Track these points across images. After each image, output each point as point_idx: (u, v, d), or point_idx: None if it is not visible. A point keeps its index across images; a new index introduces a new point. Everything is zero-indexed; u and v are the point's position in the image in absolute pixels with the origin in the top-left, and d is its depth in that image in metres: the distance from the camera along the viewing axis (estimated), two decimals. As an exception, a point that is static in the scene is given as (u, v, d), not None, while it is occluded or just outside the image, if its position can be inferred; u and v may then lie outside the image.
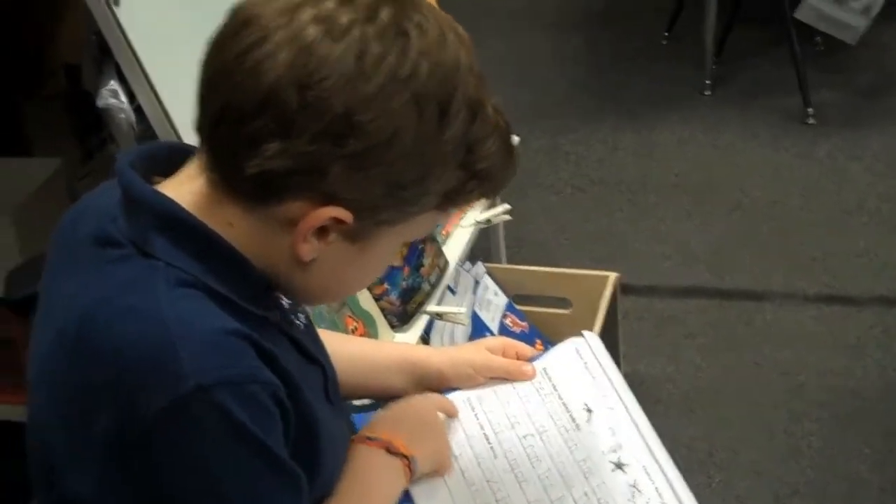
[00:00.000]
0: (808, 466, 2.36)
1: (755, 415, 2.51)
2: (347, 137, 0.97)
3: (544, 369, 1.41)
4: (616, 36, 4.36)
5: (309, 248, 1.03)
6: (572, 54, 4.28)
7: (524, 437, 1.33)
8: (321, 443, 1.10)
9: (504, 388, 1.39)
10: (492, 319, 2.31)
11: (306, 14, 0.97)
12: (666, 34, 4.25)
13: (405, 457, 1.21)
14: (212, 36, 1.02)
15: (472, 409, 1.36)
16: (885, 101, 3.80)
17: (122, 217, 1.04)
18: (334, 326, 1.88)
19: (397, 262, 2.07)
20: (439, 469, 1.27)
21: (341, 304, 1.96)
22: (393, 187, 1.01)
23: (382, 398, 1.41)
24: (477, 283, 2.35)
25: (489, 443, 1.32)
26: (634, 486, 1.28)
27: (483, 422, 1.35)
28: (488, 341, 1.46)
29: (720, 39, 3.96)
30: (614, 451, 1.32)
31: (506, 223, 2.69)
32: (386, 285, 2.06)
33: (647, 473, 1.30)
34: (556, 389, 1.39)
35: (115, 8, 1.57)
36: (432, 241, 2.21)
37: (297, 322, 1.15)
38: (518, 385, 1.40)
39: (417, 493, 1.24)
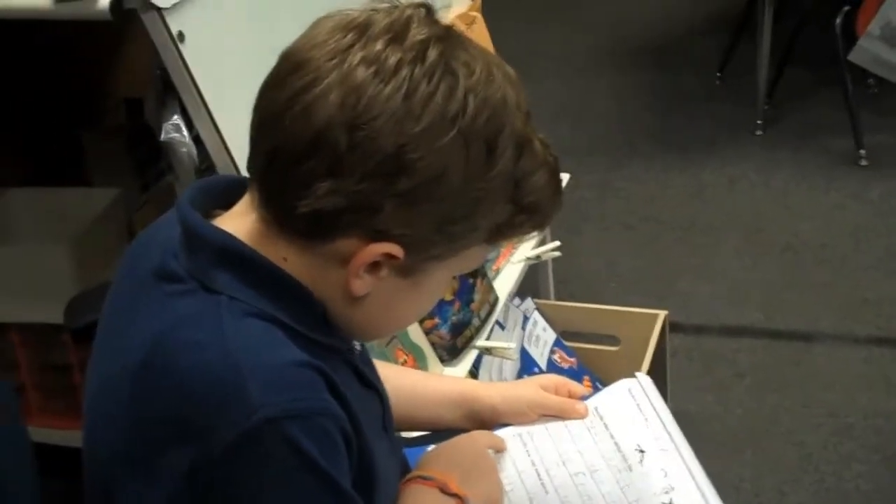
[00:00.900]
0: (857, 509, 2.35)
1: (803, 456, 2.50)
2: (398, 176, 0.98)
3: (596, 408, 1.42)
4: (669, 75, 4.37)
5: (361, 284, 1.04)
6: (626, 93, 4.29)
7: (575, 474, 1.34)
8: (377, 474, 1.10)
9: (556, 426, 1.40)
10: (540, 355, 2.33)
11: (356, 56, 0.99)
12: (719, 74, 4.26)
13: (459, 497, 1.21)
14: (264, 80, 1.04)
15: (524, 444, 1.37)
16: (938, 144, 3.78)
17: (183, 253, 1.06)
18: (385, 359, 1.90)
19: (448, 297, 2.09)
20: None
21: (392, 337, 1.98)
22: (443, 223, 1.02)
23: (433, 430, 1.42)
24: (526, 318, 2.37)
25: (540, 478, 1.34)
26: None
27: (535, 458, 1.36)
28: (541, 379, 1.47)
29: (773, 80, 3.96)
30: (666, 492, 1.32)
31: (555, 260, 2.70)
32: (437, 319, 2.08)
33: None
34: (608, 429, 1.40)
35: (180, 45, 1.60)
36: (483, 277, 2.23)
37: (356, 349, 1.17)
38: (570, 424, 1.41)
39: None
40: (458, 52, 1.02)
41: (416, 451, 1.35)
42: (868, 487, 2.40)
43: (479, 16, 2.47)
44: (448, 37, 1.03)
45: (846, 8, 3.63)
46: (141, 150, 2.56)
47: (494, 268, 2.37)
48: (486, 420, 1.41)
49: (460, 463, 1.27)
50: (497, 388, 1.46)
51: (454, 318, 2.11)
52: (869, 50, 3.61)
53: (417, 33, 1.01)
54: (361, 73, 0.98)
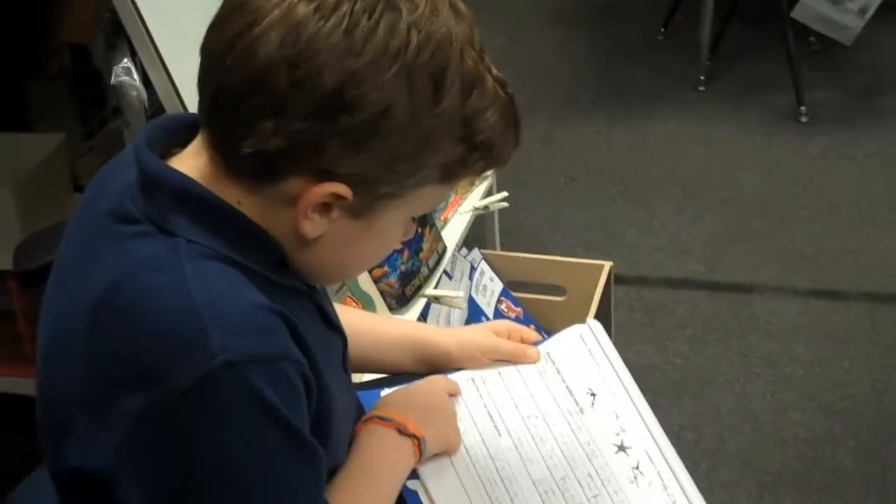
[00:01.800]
0: (794, 457, 2.40)
1: (742, 405, 2.55)
2: (340, 113, 0.97)
3: (548, 353, 1.44)
4: (613, 30, 4.39)
5: (311, 225, 1.04)
6: (570, 47, 4.31)
7: (528, 417, 1.36)
8: (333, 414, 1.11)
9: (508, 371, 1.42)
10: (487, 304, 2.35)
11: None
12: (663, 29, 4.28)
13: (416, 437, 1.23)
14: (210, 22, 1.03)
15: (477, 388, 1.39)
16: (877, 102, 3.84)
17: (140, 194, 1.05)
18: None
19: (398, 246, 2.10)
20: (448, 450, 1.30)
21: (341, 285, 1.99)
22: (389, 161, 1.01)
23: (388, 373, 1.44)
24: (473, 268, 2.38)
25: (493, 422, 1.35)
26: (637, 469, 1.32)
27: (487, 401, 1.38)
28: (494, 324, 1.49)
29: (716, 36, 3.99)
30: (617, 434, 1.35)
31: (500, 212, 2.72)
32: (386, 268, 2.08)
33: (649, 457, 1.33)
34: (559, 373, 1.42)
35: (130, -14, 1.59)
36: (431, 226, 2.24)
37: (317, 286, 1.17)
38: (522, 368, 1.42)
39: (424, 470, 1.27)
40: None
41: (369, 394, 1.37)
42: (805, 435, 2.46)
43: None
44: None
45: (790, -35, 3.67)
46: (85, 95, 2.53)
47: (442, 218, 2.38)
48: (440, 364, 1.42)
49: (418, 405, 1.29)
50: (451, 333, 1.46)
51: (403, 266, 2.12)
52: (812, 7, 3.66)
53: None
54: (302, 10, 0.97)
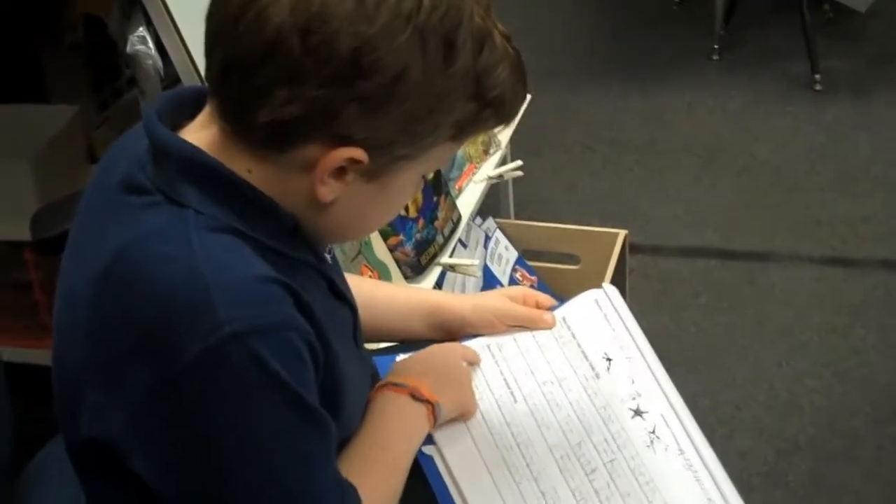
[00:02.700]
0: (809, 423, 2.40)
1: (758, 372, 2.55)
2: (356, 79, 0.97)
3: (563, 318, 1.44)
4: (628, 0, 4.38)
5: (328, 190, 1.03)
6: (585, 17, 4.30)
7: (543, 383, 1.37)
8: (344, 384, 1.11)
9: (524, 337, 1.42)
10: (502, 273, 2.35)
11: None
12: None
13: (430, 403, 1.23)
14: None
15: (492, 355, 1.39)
16: (892, 70, 3.82)
17: (150, 165, 1.05)
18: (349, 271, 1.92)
19: (412, 214, 2.10)
20: (464, 415, 1.30)
21: (356, 253, 2.00)
22: (405, 123, 1.01)
23: (404, 341, 1.44)
24: (488, 237, 2.39)
25: (509, 388, 1.36)
26: (653, 433, 1.32)
27: (503, 368, 1.38)
28: (509, 290, 1.48)
29: (730, 5, 3.97)
30: (633, 398, 1.35)
31: (515, 181, 2.72)
32: (401, 236, 2.09)
33: (665, 421, 1.33)
34: (575, 338, 1.42)
35: (145, -45, 1.59)
36: (446, 195, 2.24)
37: (327, 258, 1.17)
38: (537, 334, 1.43)
39: (440, 436, 1.28)
40: None
41: (385, 360, 1.37)
42: (820, 402, 2.46)
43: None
44: None
45: (805, -68, 3.65)
46: (100, 66, 2.54)
47: (457, 187, 2.38)
48: (455, 330, 1.42)
49: (433, 370, 1.29)
50: (466, 299, 1.47)
51: (418, 235, 2.13)
52: (827, -27, 3.64)
53: None
54: None
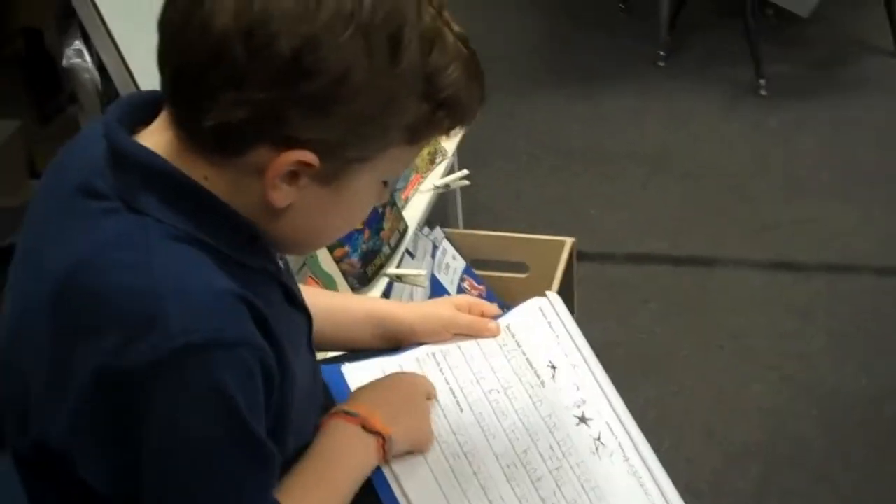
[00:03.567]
0: (757, 427, 2.42)
1: (706, 378, 2.56)
2: (299, 80, 0.97)
3: (508, 327, 1.44)
4: (572, 6, 4.38)
5: (280, 195, 1.03)
6: (529, 24, 4.29)
7: (489, 391, 1.36)
8: (293, 400, 1.10)
9: (468, 345, 1.42)
10: (450, 283, 2.35)
11: None
12: (622, 5, 4.28)
13: (381, 435, 1.21)
14: None
15: (438, 363, 1.39)
16: (835, 74, 3.86)
17: (108, 170, 1.04)
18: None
19: (358, 225, 2.09)
20: (418, 449, 1.27)
21: (302, 265, 1.98)
22: (353, 125, 1.00)
23: (350, 350, 1.43)
24: (435, 247, 2.38)
25: (455, 396, 1.35)
26: (598, 440, 1.32)
27: (448, 377, 1.37)
28: (455, 299, 1.49)
29: (675, 10, 3.99)
30: (578, 406, 1.35)
31: (462, 190, 2.71)
32: (347, 248, 2.08)
33: (610, 428, 1.34)
34: (519, 346, 1.42)
35: (80, -33, 1.57)
36: (392, 206, 2.23)
37: (282, 267, 1.16)
38: (482, 342, 1.42)
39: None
40: None
41: (331, 369, 1.37)
42: (769, 406, 2.47)
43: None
44: None
45: (748, -62, 3.67)
46: (39, 81, 2.51)
47: (403, 196, 2.37)
48: (402, 339, 1.42)
49: (390, 400, 1.27)
50: (413, 308, 1.46)
51: (364, 246, 2.12)
52: (769, -21, 3.67)
53: None
54: None
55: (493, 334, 1.43)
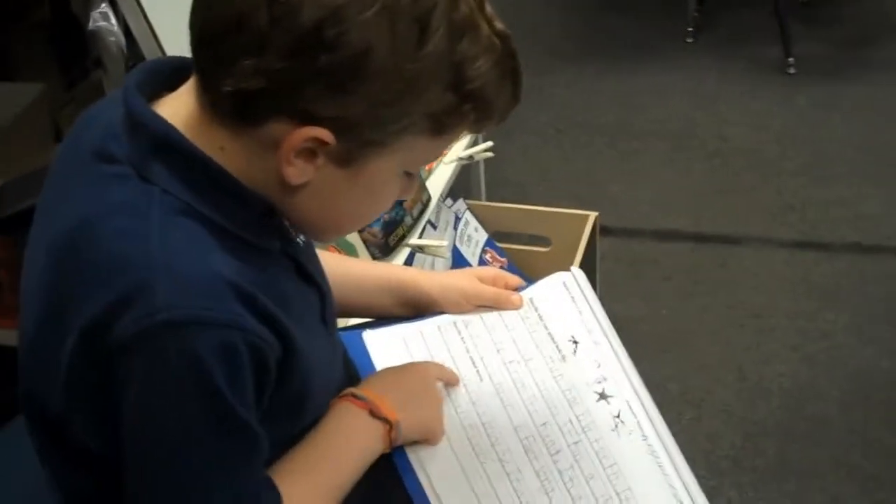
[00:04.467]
0: (778, 407, 2.40)
1: (727, 356, 2.55)
2: (319, 52, 0.95)
3: (531, 300, 1.43)
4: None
5: (295, 171, 1.01)
6: (559, 0, 4.28)
7: (509, 362, 1.36)
8: (310, 374, 1.10)
9: (490, 316, 1.41)
10: (472, 255, 2.34)
11: None
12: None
13: (388, 421, 1.19)
14: None
15: (459, 332, 1.38)
16: (864, 54, 3.82)
17: (124, 136, 1.03)
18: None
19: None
20: (428, 439, 1.25)
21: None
22: (372, 105, 0.99)
23: (370, 317, 1.43)
24: (458, 218, 2.37)
25: (475, 366, 1.35)
26: (618, 417, 1.31)
27: (469, 346, 1.37)
28: (479, 270, 1.47)
29: (704, -13, 3.97)
30: (599, 382, 1.34)
31: (486, 163, 2.71)
32: (369, 218, 2.07)
33: (630, 406, 1.32)
34: (542, 320, 1.41)
35: (108, -70, 1.57)
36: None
37: (298, 240, 1.14)
38: (505, 314, 1.41)
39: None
40: None
41: (353, 337, 1.36)
42: (789, 385, 2.46)
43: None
44: None
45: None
46: (65, 45, 2.51)
47: (427, 167, 2.36)
48: (422, 307, 1.41)
49: (401, 387, 1.25)
50: (434, 277, 1.45)
51: (386, 216, 2.11)
52: (800, -43, 3.63)
53: None
54: None
55: (516, 307, 1.42)
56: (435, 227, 2.29)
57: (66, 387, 1.01)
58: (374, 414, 1.19)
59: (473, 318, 1.40)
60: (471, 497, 1.22)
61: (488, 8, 1.05)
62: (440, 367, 1.32)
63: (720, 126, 3.45)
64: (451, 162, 2.42)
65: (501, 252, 2.41)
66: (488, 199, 2.80)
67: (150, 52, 1.70)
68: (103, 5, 1.70)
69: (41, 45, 2.50)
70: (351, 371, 1.31)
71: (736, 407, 2.41)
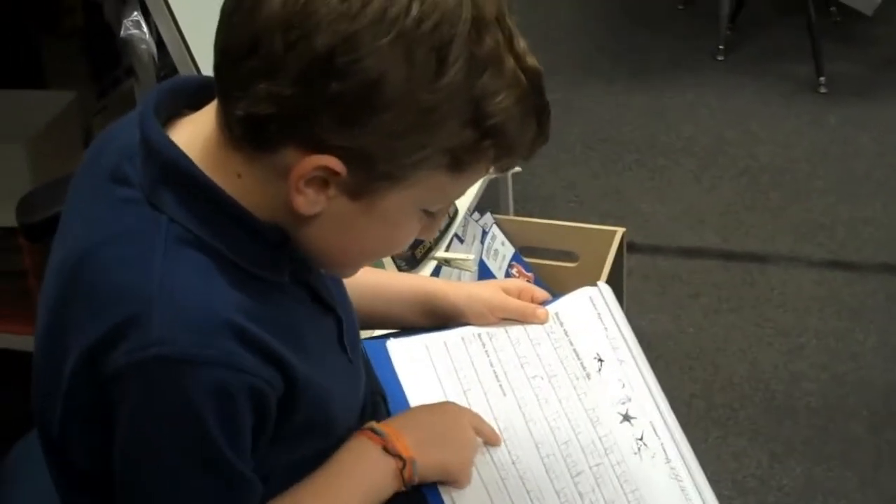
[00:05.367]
0: (806, 426, 2.38)
1: (755, 374, 2.53)
2: (330, 79, 0.94)
3: (556, 314, 1.42)
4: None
5: (304, 201, 0.99)
6: (589, 14, 4.28)
7: (533, 377, 1.35)
8: (322, 401, 1.09)
9: (515, 329, 1.40)
10: (498, 269, 2.34)
11: None
12: (680, 7, 4.25)
13: (402, 458, 1.17)
14: None
15: (483, 344, 1.38)
16: (897, 74, 3.81)
17: (139, 159, 1.02)
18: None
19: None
20: (452, 481, 1.21)
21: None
22: (385, 137, 0.96)
23: (396, 328, 1.42)
24: (485, 232, 2.37)
25: (498, 380, 1.34)
26: (641, 440, 1.29)
27: (493, 358, 1.36)
28: (505, 282, 1.46)
29: (736, 5, 3.96)
30: (623, 403, 1.33)
31: (514, 177, 2.70)
32: (397, 230, 2.07)
33: (654, 428, 1.31)
34: (567, 335, 1.40)
35: (141, -61, 1.58)
36: (443, 189, 2.22)
37: (312, 268, 1.12)
38: (530, 328, 1.40)
39: None
40: None
41: (377, 346, 1.36)
42: (817, 405, 2.44)
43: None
44: None
45: (812, -67, 3.63)
46: (98, 53, 2.53)
47: (454, 181, 2.36)
48: (448, 318, 1.40)
49: (425, 426, 1.23)
50: (461, 288, 1.44)
51: (414, 228, 2.11)
52: (833, -25, 3.62)
53: None
54: None
55: (542, 321, 1.41)
56: (462, 241, 2.29)
57: (65, 408, 1.02)
58: (388, 449, 1.17)
59: (498, 331, 1.39)
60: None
61: (520, 43, 1.02)
62: (477, 416, 1.28)
63: (750, 144, 3.43)
64: (479, 175, 2.41)
65: (528, 267, 2.40)
66: (516, 214, 2.80)
67: (180, 61, 1.70)
68: (135, 13, 1.71)
69: (74, 53, 2.51)
70: (374, 384, 1.30)
71: (763, 426, 2.39)
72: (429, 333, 1.39)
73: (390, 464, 1.17)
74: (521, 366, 1.36)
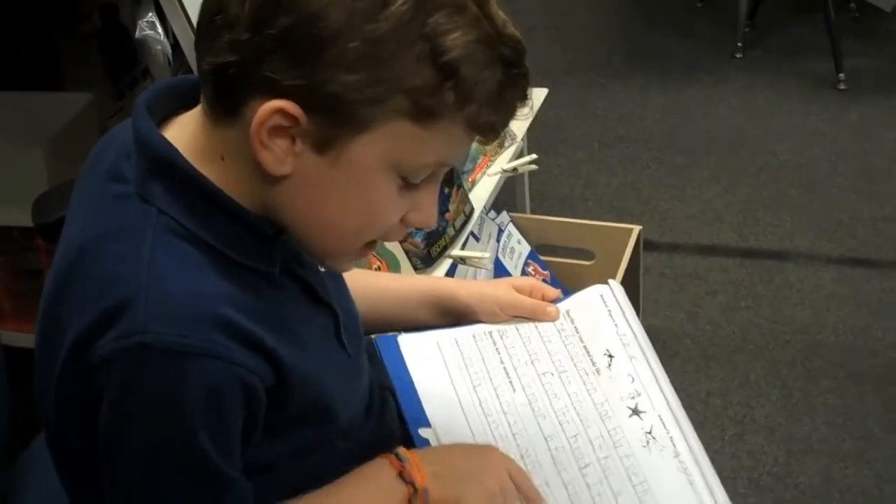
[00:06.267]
0: (823, 423, 2.38)
1: (772, 372, 2.52)
2: (277, 17, 0.94)
3: (567, 312, 1.43)
4: (650, -5, 4.36)
5: (271, 157, 0.98)
6: (606, 11, 4.27)
7: (543, 374, 1.35)
8: (317, 391, 1.09)
9: (526, 326, 1.41)
10: (514, 267, 2.34)
11: None
12: (699, 4, 4.24)
13: (414, 487, 1.15)
14: None
15: (494, 342, 1.38)
16: (917, 70, 3.79)
17: (133, 155, 1.04)
18: (358, 265, 1.90)
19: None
20: None
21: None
22: (335, 72, 0.95)
23: (408, 328, 1.42)
24: (501, 231, 2.37)
25: (508, 377, 1.35)
26: (650, 433, 1.30)
27: (503, 356, 1.37)
28: (516, 281, 1.47)
29: (754, 3, 3.94)
30: (632, 397, 1.33)
31: (531, 175, 2.70)
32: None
33: (663, 422, 1.31)
34: (577, 332, 1.40)
35: (154, -60, 1.59)
36: (458, 187, 2.23)
37: (308, 261, 1.12)
38: (541, 325, 1.41)
39: (434, 421, 1.27)
40: None
41: (388, 340, 1.37)
42: (835, 402, 2.43)
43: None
44: None
45: (831, -71, 3.61)
46: (114, 55, 2.54)
47: (470, 179, 2.37)
48: (459, 316, 1.41)
49: (450, 462, 1.21)
50: (472, 286, 1.45)
51: (429, 227, 2.11)
52: (851, -29, 3.60)
53: None
54: None
55: (553, 318, 1.41)
56: (478, 239, 2.29)
57: (58, 398, 1.03)
58: (403, 476, 1.15)
59: (509, 329, 1.40)
60: None
61: (495, 7, 1.00)
62: (511, 461, 1.24)
63: (769, 141, 3.42)
64: (496, 174, 2.42)
65: (544, 265, 2.40)
66: (532, 212, 2.80)
67: (194, 61, 1.71)
68: (150, 14, 1.72)
69: (91, 55, 2.53)
70: (382, 378, 1.31)
71: (780, 423, 2.38)
72: (440, 330, 1.40)
73: (401, 490, 1.15)
74: (532, 362, 1.37)
